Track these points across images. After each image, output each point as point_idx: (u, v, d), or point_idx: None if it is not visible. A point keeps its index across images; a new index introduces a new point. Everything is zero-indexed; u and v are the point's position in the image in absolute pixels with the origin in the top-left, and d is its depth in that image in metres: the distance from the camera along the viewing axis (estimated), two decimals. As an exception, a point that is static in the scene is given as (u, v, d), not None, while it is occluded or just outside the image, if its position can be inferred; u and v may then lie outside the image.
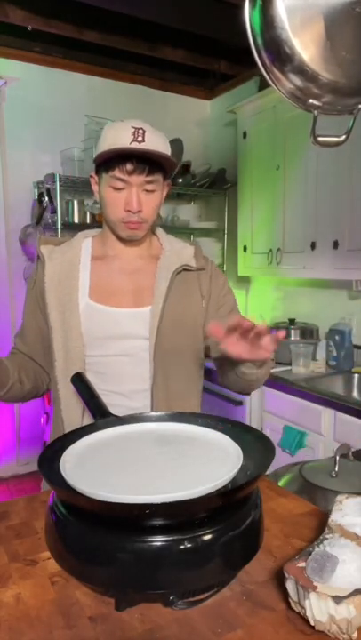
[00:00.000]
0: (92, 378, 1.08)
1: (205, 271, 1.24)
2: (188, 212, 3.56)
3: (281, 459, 2.30)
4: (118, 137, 1.05)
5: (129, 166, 1.05)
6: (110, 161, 1.05)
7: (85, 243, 1.22)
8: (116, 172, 1.06)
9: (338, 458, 1.02)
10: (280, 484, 1.05)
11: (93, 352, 1.14)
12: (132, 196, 1.07)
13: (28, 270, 3.09)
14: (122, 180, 1.06)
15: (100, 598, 0.68)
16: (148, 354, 1.15)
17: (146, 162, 1.06)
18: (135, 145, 1.04)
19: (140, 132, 1.05)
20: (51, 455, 0.76)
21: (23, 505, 0.94)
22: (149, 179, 1.08)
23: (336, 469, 1.01)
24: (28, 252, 3.11)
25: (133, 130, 1.04)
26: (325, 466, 1.06)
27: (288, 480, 1.06)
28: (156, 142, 1.07)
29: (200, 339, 1.22)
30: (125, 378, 1.16)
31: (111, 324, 1.14)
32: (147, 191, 1.09)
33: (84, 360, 1.14)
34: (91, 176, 1.16)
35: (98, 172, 1.12)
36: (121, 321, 1.15)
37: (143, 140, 1.05)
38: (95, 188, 1.15)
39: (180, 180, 3.31)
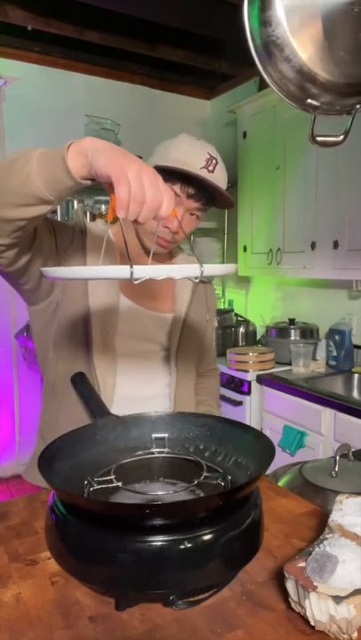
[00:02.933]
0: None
1: (211, 285, 1.30)
2: (188, 212, 3.56)
3: (281, 459, 2.31)
4: (192, 156, 1.03)
5: (191, 190, 1.04)
6: (174, 173, 1.02)
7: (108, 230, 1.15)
8: (176, 188, 1.03)
9: (338, 458, 1.01)
10: (280, 483, 1.05)
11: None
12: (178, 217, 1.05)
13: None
14: (177, 196, 1.03)
15: (100, 598, 0.68)
16: (166, 360, 1.17)
17: (205, 192, 1.05)
18: (205, 172, 1.02)
19: (214, 162, 1.04)
20: (51, 455, 0.76)
21: (23, 505, 0.94)
22: (202, 207, 1.08)
23: (336, 469, 1.01)
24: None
25: (209, 157, 1.03)
26: (325, 466, 1.06)
27: (288, 480, 1.06)
28: (222, 177, 1.07)
29: (201, 350, 1.26)
30: (133, 382, 1.13)
31: (138, 323, 1.12)
32: (191, 216, 1.09)
33: (114, 349, 1.08)
34: None
35: None
36: (147, 323, 1.14)
37: (213, 172, 1.04)
38: None
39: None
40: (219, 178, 1.05)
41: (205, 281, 1.27)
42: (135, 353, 1.13)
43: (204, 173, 1.02)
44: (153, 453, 0.86)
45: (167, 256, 1.24)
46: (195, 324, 1.21)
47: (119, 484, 0.72)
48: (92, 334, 1.06)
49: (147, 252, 1.14)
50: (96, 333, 1.06)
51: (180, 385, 1.18)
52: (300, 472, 1.06)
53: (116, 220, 0.67)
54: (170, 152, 1.04)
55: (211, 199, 1.08)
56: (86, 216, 2.99)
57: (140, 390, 1.14)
